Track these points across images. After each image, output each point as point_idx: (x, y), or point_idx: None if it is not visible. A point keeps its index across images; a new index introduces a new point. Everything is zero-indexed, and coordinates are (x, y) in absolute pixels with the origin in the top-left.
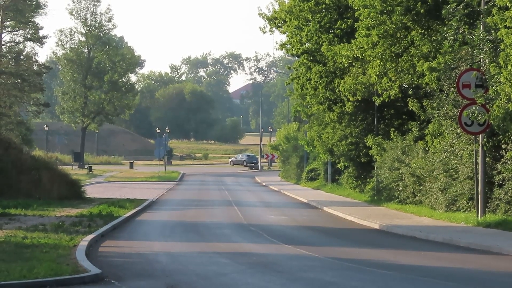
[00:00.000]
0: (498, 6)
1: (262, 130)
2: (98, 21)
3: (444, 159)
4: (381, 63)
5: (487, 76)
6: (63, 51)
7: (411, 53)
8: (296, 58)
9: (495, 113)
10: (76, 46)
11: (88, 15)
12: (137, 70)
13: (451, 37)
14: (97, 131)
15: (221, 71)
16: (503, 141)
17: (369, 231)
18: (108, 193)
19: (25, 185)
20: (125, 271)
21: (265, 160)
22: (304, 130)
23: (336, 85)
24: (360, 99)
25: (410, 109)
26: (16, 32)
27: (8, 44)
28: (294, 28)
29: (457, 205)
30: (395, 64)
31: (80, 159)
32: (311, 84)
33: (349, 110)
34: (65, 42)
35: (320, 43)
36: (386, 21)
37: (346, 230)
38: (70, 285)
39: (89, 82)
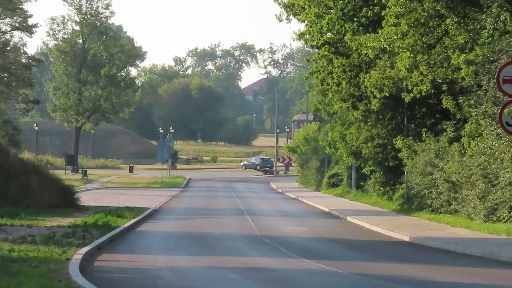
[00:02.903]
0: None
1: (277, 130)
2: (94, 8)
3: (482, 163)
4: (412, 55)
5: None
6: (55, 42)
7: (445, 44)
8: (316, 50)
9: None
10: (69, 36)
11: (83, 1)
12: (137, 63)
13: (490, 26)
14: (93, 132)
15: (232, 64)
16: None
17: (398, 243)
18: (105, 201)
19: (12, 191)
20: None
21: (281, 164)
22: (325, 131)
23: (361, 80)
24: (388, 95)
25: (444, 106)
26: (2, 20)
27: None
28: (314, 16)
29: (498, 215)
30: (427, 56)
31: (74, 162)
32: (333, 79)
33: (375, 108)
34: (57, 32)
35: (343, 33)
36: (417, 8)
37: (373, 243)
38: None
39: (84, 76)
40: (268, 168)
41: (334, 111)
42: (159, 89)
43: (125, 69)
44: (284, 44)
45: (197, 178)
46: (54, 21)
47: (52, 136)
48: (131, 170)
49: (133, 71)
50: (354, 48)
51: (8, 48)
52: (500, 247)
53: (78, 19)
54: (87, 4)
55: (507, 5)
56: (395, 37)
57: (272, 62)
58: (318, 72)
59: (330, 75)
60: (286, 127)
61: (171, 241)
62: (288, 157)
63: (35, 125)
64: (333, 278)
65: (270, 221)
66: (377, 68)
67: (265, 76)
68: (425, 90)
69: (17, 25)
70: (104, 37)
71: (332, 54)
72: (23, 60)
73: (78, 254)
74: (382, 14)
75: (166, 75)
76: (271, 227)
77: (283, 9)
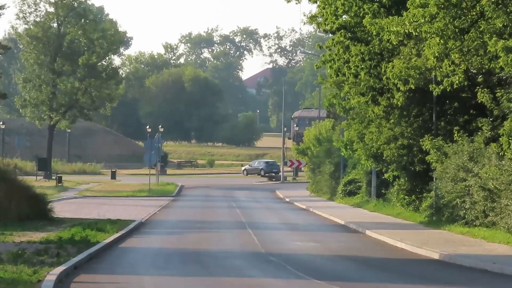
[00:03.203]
0: None
1: (285, 129)
2: None
3: None
4: (441, 42)
5: None
6: (25, 26)
7: (481, 29)
8: (330, 35)
9: None
10: (42, 19)
11: None
12: (121, 50)
13: None
14: (69, 131)
15: (232, 52)
16: None
17: (427, 262)
18: (83, 212)
19: None
20: None
21: (289, 169)
22: (340, 129)
23: (382, 70)
24: (413, 88)
25: (479, 101)
26: None
27: None
28: None
29: None
30: (460, 42)
31: (47, 167)
32: (350, 69)
33: (399, 103)
34: (27, 14)
35: (362, 15)
36: None
37: (396, 261)
38: None
39: (59, 66)
40: (273, 174)
41: (351, 107)
42: (146, 81)
43: (107, 58)
44: (293, 29)
45: (190, 185)
46: (25, 2)
47: (21, 136)
48: (113, 176)
49: (116, 60)
50: (375, 33)
51: None
52: None
53: (52, 0)
54: None
55: None
56: (422, 21)
57: (279, 50)
58: (332, 61)
59: (346, 65)
60: (295, 125)
61: (161, 259)
62: (297, 161)
63: (1, 123)
64: None
65: (276, 235)
66: (401, 57)
67: (270, 66)
68: (457, 81)
69: None
70: (82, 20)
71: (349, 40)
72: None
73: (52, 275)
74: None
75: (154, 65)
76: (277, 242)
77: None
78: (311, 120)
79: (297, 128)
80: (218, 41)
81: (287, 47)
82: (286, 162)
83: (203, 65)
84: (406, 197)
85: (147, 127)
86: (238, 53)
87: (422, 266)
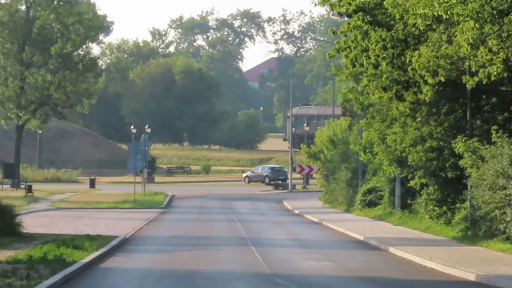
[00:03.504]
0: None
1: (293, 129)
2: None
3: None
4: (477, 26)
5: None
6: None
7: None
8: (346, 19)
9: None
10: (8, 1)
11: None
12: (101, 37)
13: None
14: (40, 132)
15: (231, 39)
16: None
17: (461, 284)
18: (57, 227)
19: None
20: None
21: (299, 175)
22: (358, 129)
23: (407, 59)
24: (444, 81)
25: None
26: None
27: None
28: None
29: None
30: (498, 27)
31: (14, 174)
32: (369, 59)
33: (427, 99)
34: None
35: None
36: None
37: (425, 284)
38: None
39: (28, 56)
40: (280, 181)
41: (371, 103)
42: (130, 73)
43: (84, 46)
44: (302, 12)
45: (183, 195)
46: None
47: None
48: (92, 184)
49: (95, 49)
50: (398, 17)
51: None
52: None
53: None
54: None
55: None
56: (454, 1)
57: (285, 36)
58: (348, 49)
59: (364, 54)
60: (305, 124)
61: (148, 282)
62: (308, 166)
63: None
64: None
65: (284, 253)
66: (430, 44)
67: (275, 55)
68: (495, 72)
69: None
70: (55, 2)
71: (368, 25)
72: None
73: None
74: None
75: (140, 54)
76: (285, 262)
77: None
78: (311, 119)
79: (293, 129)
80: (214, 26)
81: (295, 33)
82: (295, 168)
83: (196, 54)
84: (436, 208)
85: (132, 127)
86: (237, 40)
87: None
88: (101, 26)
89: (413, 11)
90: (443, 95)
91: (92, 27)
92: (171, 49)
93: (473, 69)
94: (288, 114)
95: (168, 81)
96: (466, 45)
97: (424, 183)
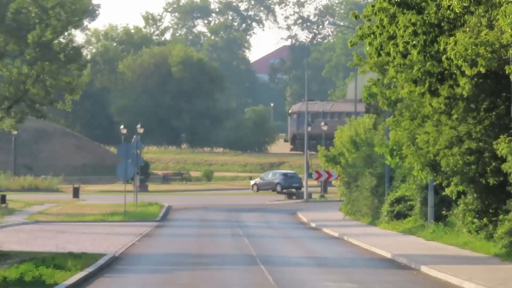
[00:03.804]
0: None
1: (309, 129)
2: None
3: None
4: None
5: None
6: None
7: None
8: (370, 0)
9: None
10: None
11: None
12: (85, 23)
13: None
14: (16, 133)
15: (236, 24)
16: None
17: None
18: (36, 243)
19: None
20: None
21: (316, 182)
22: (384, 129)
23: (441, 47)
24: (484, 72)
25: None
26: None
27: None
28: None
29: None
30: None
31: None
32: (397, 47)
33: (465, 93)
34: None
35: None
36: None
37: None
38: None
39: (1, 45)
40: (294, 189)
41: (399, 98)
42: (119, 65)
43: (66, 33)
44: None
45: (181, 206)
46: None
47: None
48: (76, 193)
49: (79, 36)
50: None
51: None
52: None
53: None
54: None
55: None
56: None
57: (300, 21)
58: (372, 36)
59: (392, 41)
60: (322, 122)
61: None
62: (326, 172)
63: None
64: None
65: (299, 274)
66: (467, 29)
67: (288, 43)
68: None
69: None
70: None
71: (396, 7)
72: None
73: None
74: None
75: (131, 42)
76: (300, 283)
77: None
78: (316, 117)
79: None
80: (217, 10)
81: (311, 17)
82: (311, 174)
83: (196, 42)
84: (476, 220)
85: (121, 127)
86: (244, 25)
87: None
88: (85, 10)
89: None
90: (483, 88)
91: (75, 11)
92: (167, 36)
93: None
94: (290, 111)
95: (163, 73)
96: (509, 30)
97: (462, 191)
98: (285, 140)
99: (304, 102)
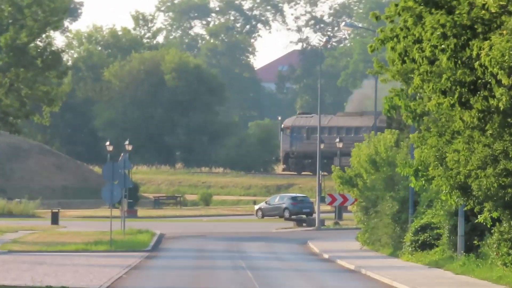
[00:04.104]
0: None
1: (322, 147)
2: None
3: None
4: None
5: None
6: None
7: None
8: None
9: None
10: None
11: None
12: (66, 24)
13: None
14: None
15: (239, 25)
16: None
17: None
18: (9, 276)
19: None
20: None
21: (329, 207)
22: (408, 146)
23: (474, 53)
24: None
25: None
26: None
27: None
28: None
29: None
30: None
31: None
32: (423, 52)
33: (501, 105)
34: None
35: None
36: None
37: None
38: None
39: None
40: (304, 215)
41: (425, 111)
42: (105, 72)
43: (44, 36)
44: None
45: (175, 234)
46: None
47: None
48: (55, 219)
49: (59, 39)
50: None
51: None
52: None
53: None
54: None
55: None
56: None
57: (312, 22)
58: (395, 39)
59: (417, 45)
60: (337, 138)
61: None
62: (341, 195)
63: None
64: None
65: None
66: (504, 32)
67: (298, 47)
68: None
69: None
70: None
71: (423, 6)
72: None
73: None
74: None
75: (118, 46)
76: None
77: None
78: (311, 133)
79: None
80: (217, 9)
81: (325, 18)
82: (323, 198)
83: (193, 46)
84: None
85: (107, 143)
86: (248, 27)
87: None
88: (66, 8)
89: None
90: None
91: (54, 10)
92: (160, 39)
93: None
94: (282, 126)
95: (155, 81)
96: None
97: (496, 218)
98: (277, 159)
99: (299, 117)
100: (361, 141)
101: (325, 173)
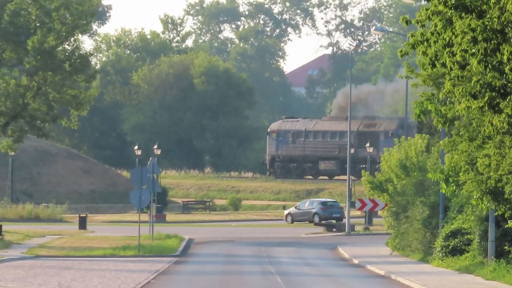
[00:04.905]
0: None
1: (352, 152)
2: None
3: None
4: None
5: None
6: None
7: None
8: (423, 3)
9: None
10: None
11: None
12: (95, 27)
13: None
14: (13, 154)
15: (269, 29)
16: None
17: None
18: (36, 282)
19: None
20: None
21: (359, 213)
22: (439, 151)
23: (505, 57)
24: None
25: None
26: None
27: None
28: None
29: None
30: None
31: None
32: (454, 56)
33: None
34: None
35: None
36: None
37: None
38: None
39: None
40: (334, 221)
41: (456, 116)
42: (134, 76)
43: (72, 39)
44: None
45: (204, 239)
46: None
47: None
48: (82, 224)
49: (87, 43)
50: (493, 0)
51: None
52: None
53: None
54: None
55: None
56: None
57: (342, 26)
58: (426, 43)
59: (448, 49)
60: (367, 143)
61: None
62: (371, 200)
63: None
64: None
65: None
66: None
67: (328, 51)
68: None
69: None
70: None
71: (453, 10)
72: None
73: None
74: None
75: (146, 50)
76: None
77: None
78: (298, 137)
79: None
80: (247, 13)
81: (355, 22)
82: (354, 203)
83: (223, 50)
84: None
85: (135, 147)
86: (278, 31)
87: None
88: (94, 12)
89: None
90: None
91: (83, 14)
92: (189, 43)
93: None
94: (269, 130)
95: (184, 86)
96: None
97: None
98: (263, 162)
99: (285, 121)
100: (345, 145)
101: (310, 177)
